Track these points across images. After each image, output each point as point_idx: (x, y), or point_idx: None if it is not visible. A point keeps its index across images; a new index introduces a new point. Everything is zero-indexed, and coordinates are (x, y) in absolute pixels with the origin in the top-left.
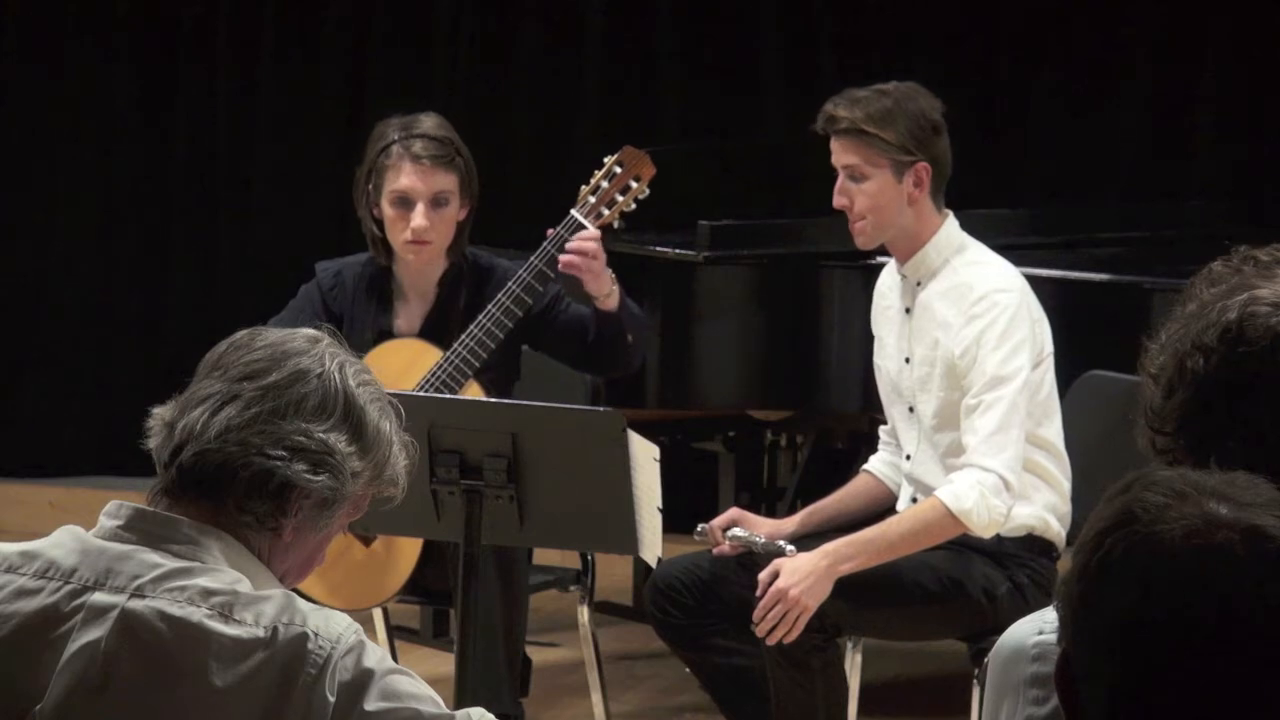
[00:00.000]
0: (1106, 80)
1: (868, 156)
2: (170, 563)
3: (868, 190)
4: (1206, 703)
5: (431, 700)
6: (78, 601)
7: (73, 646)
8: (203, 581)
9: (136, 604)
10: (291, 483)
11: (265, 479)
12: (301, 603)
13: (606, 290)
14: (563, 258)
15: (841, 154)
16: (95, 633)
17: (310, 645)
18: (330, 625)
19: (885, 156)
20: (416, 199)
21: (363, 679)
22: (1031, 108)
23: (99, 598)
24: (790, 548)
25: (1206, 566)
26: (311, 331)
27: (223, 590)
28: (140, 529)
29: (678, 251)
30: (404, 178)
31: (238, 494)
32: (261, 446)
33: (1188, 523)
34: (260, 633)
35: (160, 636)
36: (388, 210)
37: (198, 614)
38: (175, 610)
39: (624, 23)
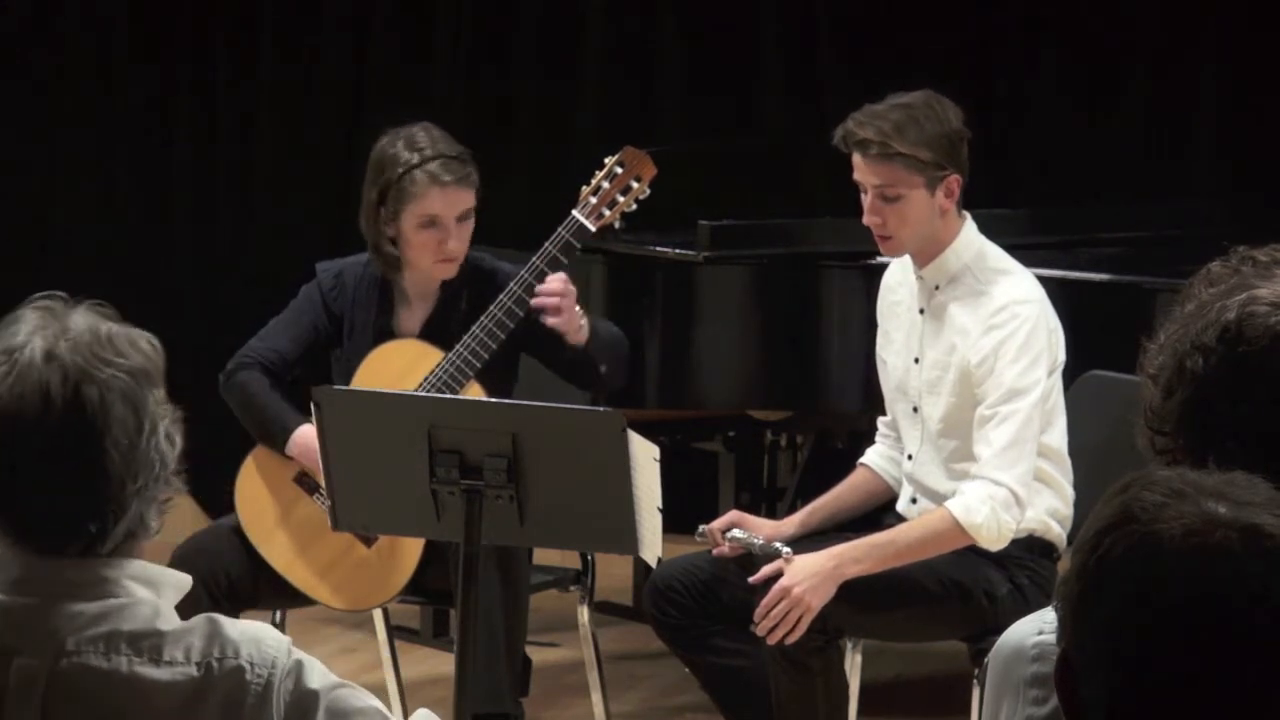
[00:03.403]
0: (1106, 80)
1: (901, 177)
2: (83, 606)
3: (903, 210)
4: (1207, 702)
5: (379, 713)
6: (2, 666)
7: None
8: (124, 626)
9: (63, 664)
10: (169, 483)
11: (151, 503)
12: (227, 627)
13: (575, 327)
14: (535, 302)
15: (871, 174)
16: (31, 702)
17: (248, 676)
18: (263, 650)
19: (920, 175)
20: (446, 222)
21: (306, 702)
22: (1032, 107)
23: (23, 663)
24: (787, 550)
25: (1205, 565)
26: (40, 347)
27: (145, 631)
28: (39, 585)
29: (678, 251)
30: (434, 203)
31: (139, 537)
32: (141, 488)
33: (1186, 522)
34: (193, 671)
35: (93, 695)
36: (413, 233)
37: (126, 663)
38: (103, 664)
39: (624, 23)
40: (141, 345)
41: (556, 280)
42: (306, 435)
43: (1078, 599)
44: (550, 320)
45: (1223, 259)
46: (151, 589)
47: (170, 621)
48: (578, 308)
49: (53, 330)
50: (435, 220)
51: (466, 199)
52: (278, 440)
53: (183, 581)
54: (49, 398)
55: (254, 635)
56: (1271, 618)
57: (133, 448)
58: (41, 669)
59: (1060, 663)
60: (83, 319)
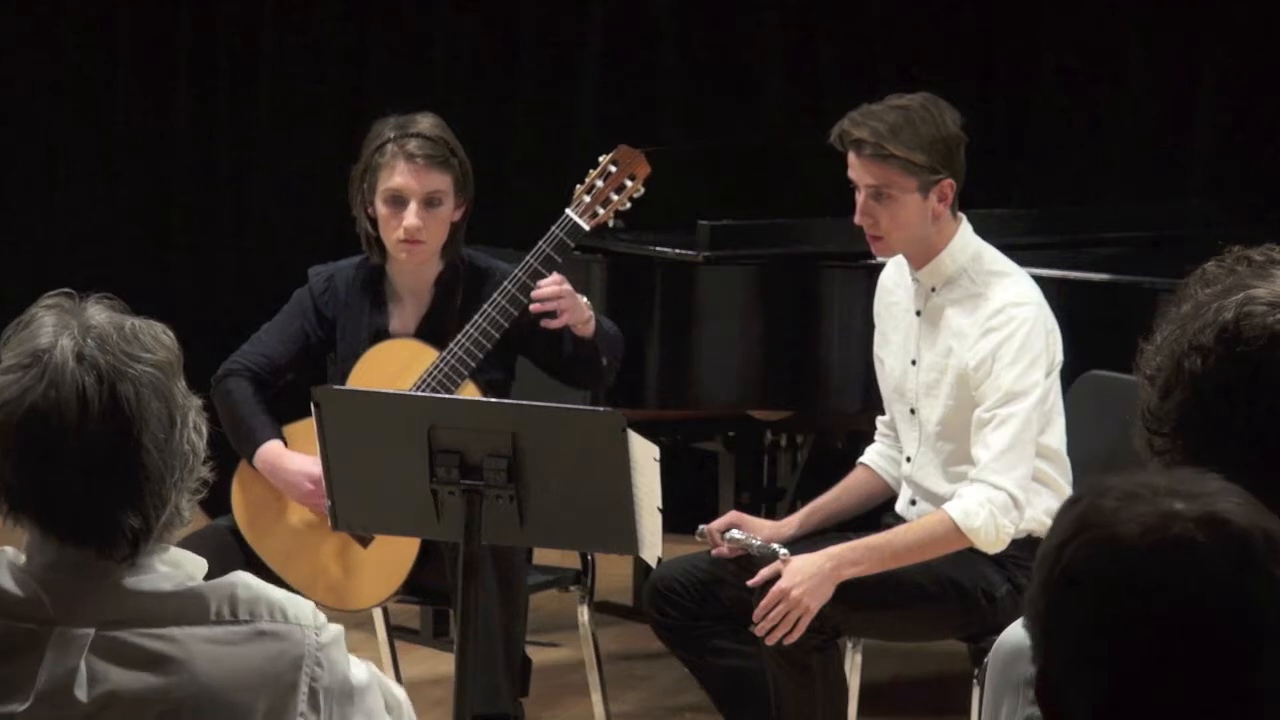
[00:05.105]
0: (1106, 80)
1: (895, 179)
2: (119, 580)
3: (894, 212)
4: (1188, 696)
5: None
6: (43, 636)
7: (44, 677)
8: (165, 586)
9: (106, 631)
10: (199, 471)
11: (185, 493)
12: (261, 585)
13: (584, 319)
14: (535, 308)
15: (864, 174)
16: (70, 664)
17: (300, 635)
18: (300, 607)
19: (914, 177)
20: (409, 198)
21: (345, 682)
22: (1032, 107)
23: (64, 631)
24: (784, 551)
25: (1169, 559)
26: (69, 347)
27: (185, 592)
28: (73, 568)
29: (678, 251)
30: (397, 177)
31: (173, 526)
32: (177, 481)
33: (1144, 520)
34: (240, 628)
35: (141, 653)
36: (381, 209)
37: (171, 627)
38: (149, 627)
39: (624, 23)
40: (162, 338)
41: (550, 283)
42: (272, 453)
43: (1047, 614)
44: (555, 323)
45: (1218, 259)
46: (178, 570)
47: (201, 579)
48: (583, 298)
49: (76, 329)
50: (400, 196)
51: (437, 181)
52: (246, 454)
53: (200, 564)
54: (86, 399)
55: (283, 593)
56: (1241, 600)
57: (168, 441)
58: (84, 635)
59: (1040, 681)
60: (100, 314)
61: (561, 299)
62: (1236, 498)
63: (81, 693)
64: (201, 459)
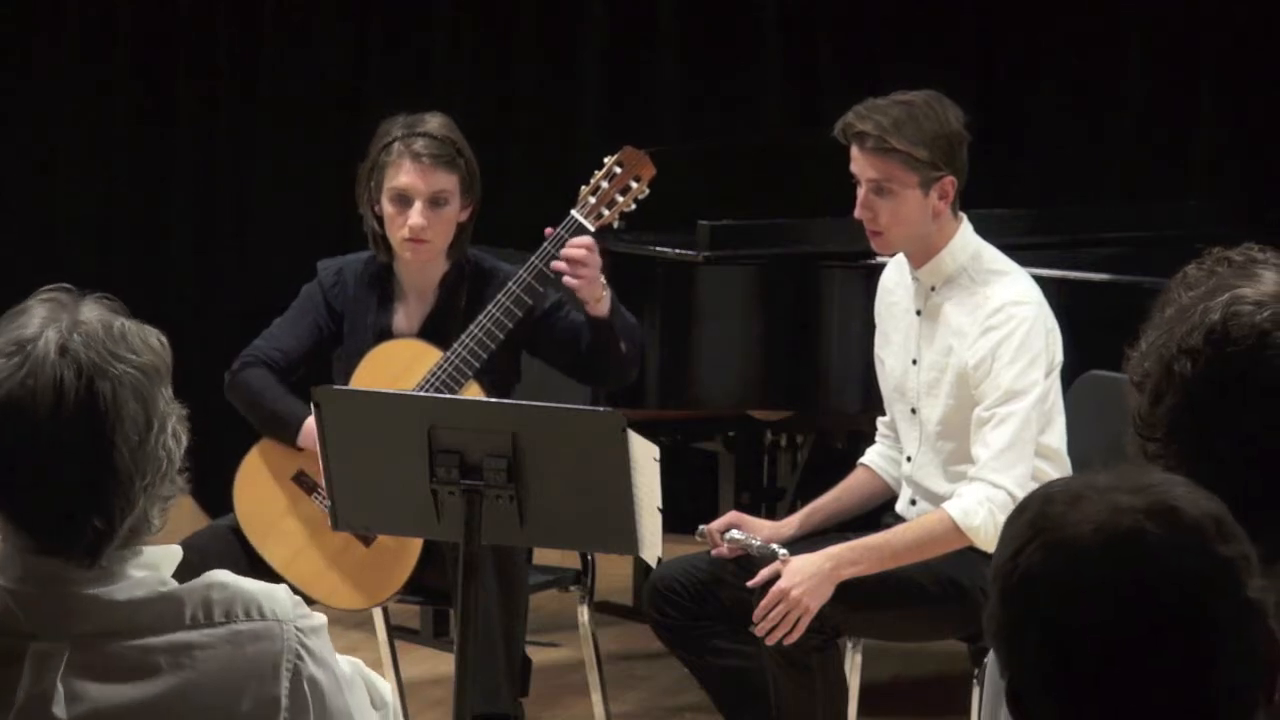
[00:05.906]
0: (1106, 80)
1: (896, 173)
2: (92, 591)
3: (894, 207)
4: (1152, 695)
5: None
6: (18, 650)
7: (22, 694)
8: (138, 594)
9: (83, 645)
10: (174, 480)
11: (155, 500)
12: (237, 582)
13: (597, 295)
14: (555, 264)
15: (866, 167)
16: (48, 678)
17: (279, 630)
18: (277, 601)
19: (915, 173)
20: (415, 197)
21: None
22: (1032, 107)
23: (40, 646)
24: (783, 552)
25: (1122, 555)
26: (54, 340)
27: (158, 598)
28: (43, 581)
29: (678, 251)
30: (403, 175)
31: (141, 533)
32: (148, 485)
33: (1094, 518)
34: (217, 631)
35: (119, 666)
36: (387, 207)
37: (148, 637)
38: (123, 639)
39: (624, 22)
40: (152, 341)
41: (580, 244)
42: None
43: (1009, 626)
44: (571, 281)
45: (1197, 261)
46: (153, 571)
47: (172, 581)
48: (601, 277)
49: (65, 323)
50: (405, 195)
51: (443, 181)
52: (291, 430)
53: (174, 553)
54: (62, 392)
55: (263, 586)
56: (1196, 589)
57: (142, 444)
58: (60, 648)
59: (1010, 701)
60: (93, 312)
61: (587, 266)
62: (1181, 486)
63: (60, 710)
64: (177, 467)
